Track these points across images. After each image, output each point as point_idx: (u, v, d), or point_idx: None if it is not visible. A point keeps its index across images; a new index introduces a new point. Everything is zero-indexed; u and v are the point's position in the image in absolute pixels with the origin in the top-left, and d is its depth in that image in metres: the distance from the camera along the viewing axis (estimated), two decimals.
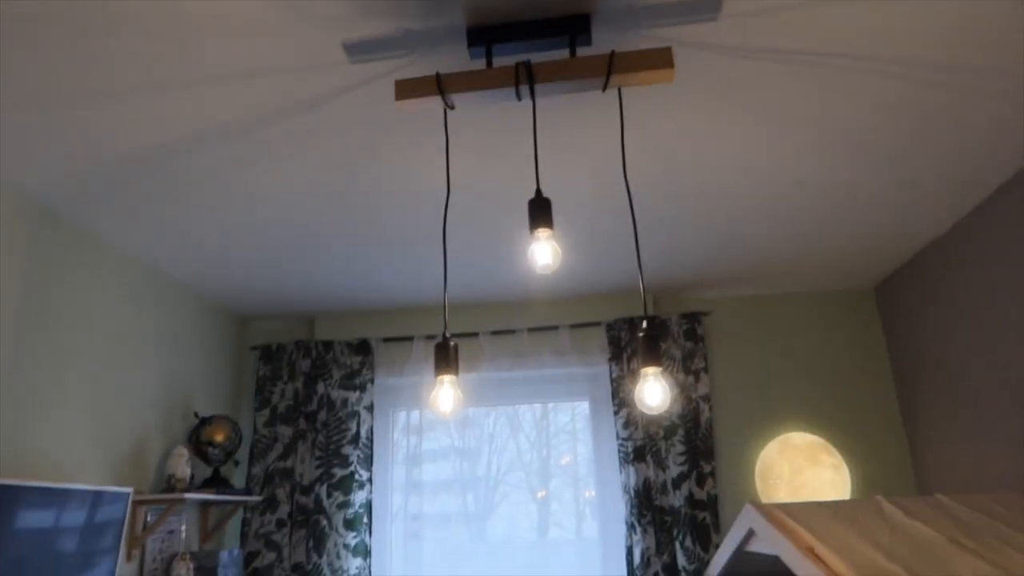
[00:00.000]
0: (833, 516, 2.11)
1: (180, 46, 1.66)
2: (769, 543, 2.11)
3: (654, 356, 1.40)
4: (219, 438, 3.10)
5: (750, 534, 2.34)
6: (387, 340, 3.67)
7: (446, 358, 1.43)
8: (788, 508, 2.18)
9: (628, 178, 2.39)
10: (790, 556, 1.96)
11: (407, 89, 1.62)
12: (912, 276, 3.29)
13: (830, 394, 3.54)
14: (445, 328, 1.47)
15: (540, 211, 1.46)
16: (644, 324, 1.42)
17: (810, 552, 1.89)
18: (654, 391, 1.37)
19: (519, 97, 1.60)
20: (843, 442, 3.47)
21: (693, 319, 3.55)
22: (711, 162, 2.31)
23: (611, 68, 1.54)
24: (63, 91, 1.80)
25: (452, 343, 1.45)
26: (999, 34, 1.73)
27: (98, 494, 2.36)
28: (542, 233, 1.44)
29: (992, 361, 2.72)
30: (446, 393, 1.39)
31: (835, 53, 1.78)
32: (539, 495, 3.60)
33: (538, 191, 1.48)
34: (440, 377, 1.42)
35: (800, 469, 3.42)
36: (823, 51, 1.77)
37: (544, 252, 1.43)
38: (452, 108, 1.65)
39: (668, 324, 3.54)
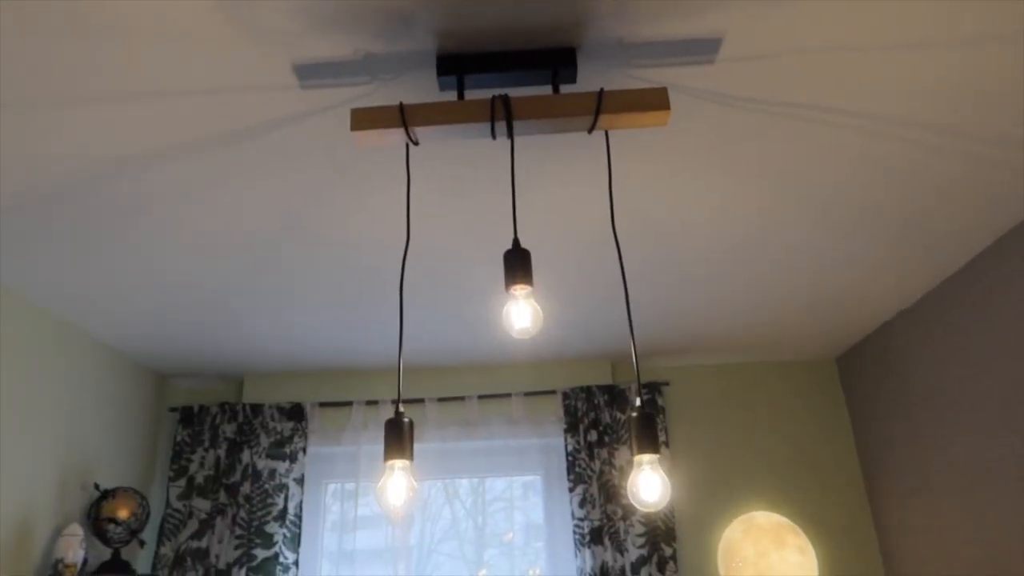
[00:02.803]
0: None
1: (95, 54, 1.40)
2: None
3: (650, 440, 1.17)
4: (123, 514, 2.69)
5: None
6: (323, 405, 3.35)
7: (399, 438, 1.16)
8: None
9: (589, 233, 2.22)
10: None
11: (365, 119, 1.40)
12: (875, 348, 3.19)
13: (795, 471, 3.37)
14: (399, 400, 1.21)
15: (518, 264, 1.24)
16: (637, 402, 1.20)
17: None
18: (651, 484, 1.13)
19: (494, 135, 1.40)
20: (809, 522, 3.28)
21: (653, 389, 3.36)
22: (681, 219, 2.15)
23: (600, 107, 1.36)
24: None
25: (406, 420, 1.19)
26: (1001, 98, 1.64)
27: None
28: (520, 291, 1.22)
29: (960, 442, 2.60)
30: (398, 483, 1.13)
31: (828, 108, 1.66)
32: (480, 574, 3.27)
33: (516, 241, 1.26)
34: (390, 462, 1.15)
35: (765, 552, 3.20)
36: (816, 104, 1.64)
37: (522, 314, 1.20)
38: (416, 143, 1.43)
39: (627, 394, 3.33)
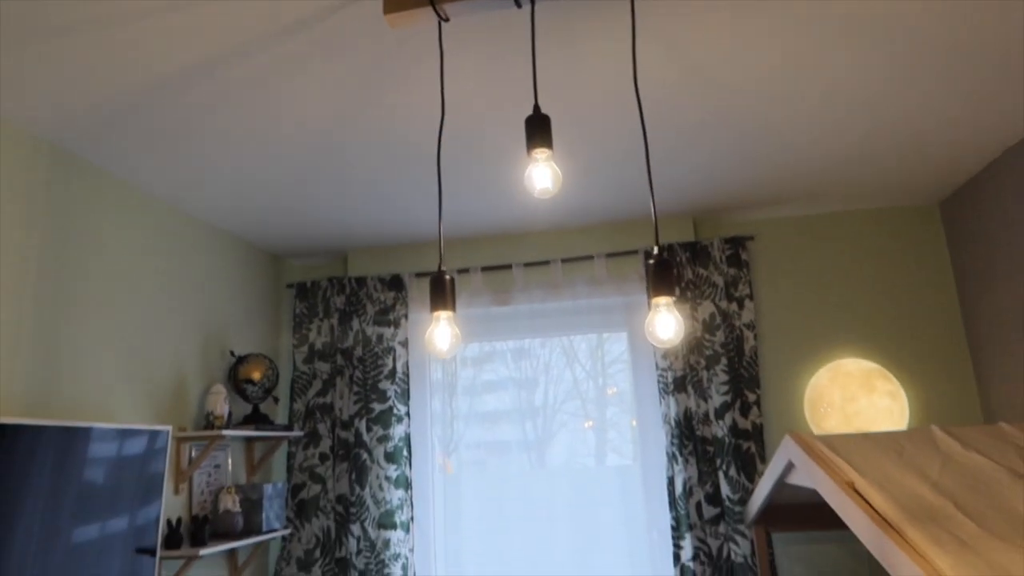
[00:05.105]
0: (878, 448, 1.98)
1: None
2: (808, 476, 2.00)
3: (666, 285, 1.27)
4: (256, 376, 3.13)
5: (790, 466, 2.23)
6: (419, 275, 3.62)
7: (442, 293, 1.33)
8: (830, 440, 2.05)
9: (650, 89, 2.21)
10: (828, 491, 1.85)
11: (396, 1, 1.48)
12: (982, 189, 3.01)
13: (887, 318, 3.34)
14: (440, 261, 1.37)
15: (538, 129, 1.32)
16: (655, 250, 1.29)
17: (850, 487, 1.78)
18: (666, 323, 1.25)
19: (519, 3, 1.45)
20: (901, 368, 3.29)
21: (736, 243, 3.37)
22: (744, 64, 2.09)
23: None
24: (57, 21, 1.72)
25: (448, 277, 1.35)
26: None
27: (136, 432, 2.41)
28: (540, 154, 1.31)
29: None
30: (443, 331, 1.31)
31: None
32: (587, 425, 3.55)
33: (536, 107, 1.34)
34: (436, 314, 1.33)
35: (853, 397, 3.26)
36: None
37: (543, 175, 1.30)
38: (447, 20, 1.50)
39: (709, 250, 3.37)
